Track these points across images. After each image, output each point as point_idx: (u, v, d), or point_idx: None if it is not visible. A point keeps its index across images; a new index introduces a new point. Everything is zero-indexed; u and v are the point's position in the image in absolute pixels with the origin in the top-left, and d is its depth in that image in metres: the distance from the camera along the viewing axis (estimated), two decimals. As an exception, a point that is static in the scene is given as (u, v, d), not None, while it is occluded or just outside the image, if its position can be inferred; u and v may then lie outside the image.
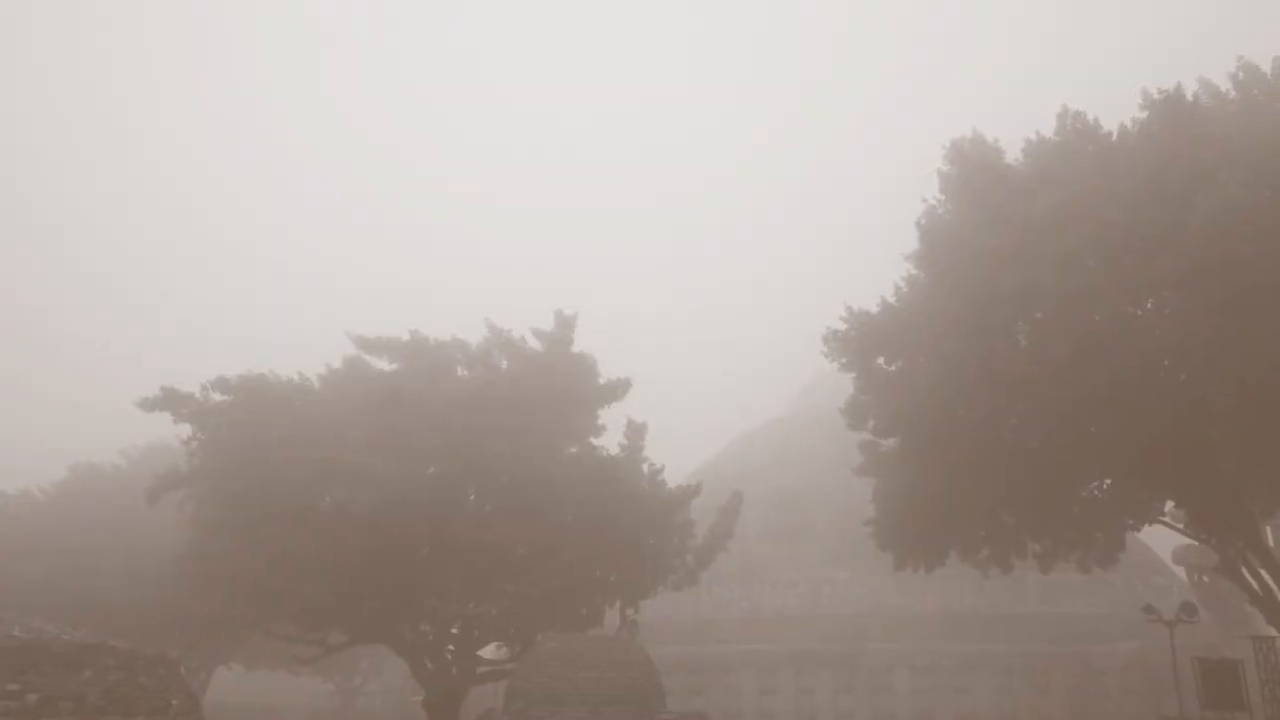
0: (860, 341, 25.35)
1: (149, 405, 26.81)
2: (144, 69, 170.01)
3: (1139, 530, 27.86)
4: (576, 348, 28.82)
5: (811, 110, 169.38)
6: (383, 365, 28.82)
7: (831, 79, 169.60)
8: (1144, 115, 22.12)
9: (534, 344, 28.90)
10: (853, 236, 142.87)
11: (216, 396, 27.42)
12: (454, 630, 28.73)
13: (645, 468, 28.66)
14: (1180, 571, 38.86)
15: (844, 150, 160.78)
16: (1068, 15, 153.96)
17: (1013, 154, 24.48)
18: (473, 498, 27.98)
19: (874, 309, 25.41)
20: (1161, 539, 33.69)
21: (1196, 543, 27.86)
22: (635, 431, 28.93)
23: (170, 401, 26.94)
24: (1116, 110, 23.37)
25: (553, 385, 27.81)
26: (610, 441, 29.06)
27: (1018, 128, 24.84)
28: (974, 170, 24.03)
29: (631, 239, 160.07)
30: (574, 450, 28.56)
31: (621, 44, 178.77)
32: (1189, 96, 21.70)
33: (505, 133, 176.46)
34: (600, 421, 29.05)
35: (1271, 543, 27.74)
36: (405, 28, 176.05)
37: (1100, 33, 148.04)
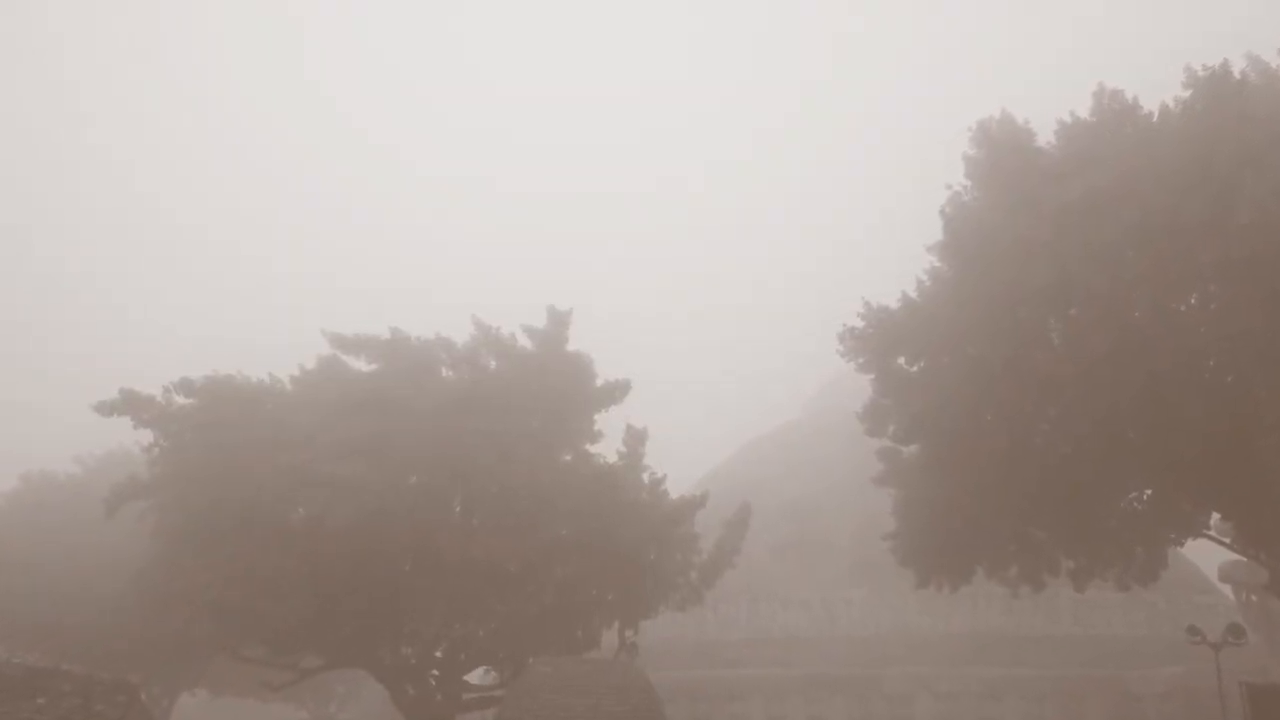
0: (879, 339, 25.30)
1: (106, 409, 26.71)
2: (143, 68, 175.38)
3: (1182, 545, 27.83)
4: (572, 347, 28.74)
5: (811, 110, 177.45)
6: (361, 366, 28.73)
7: (831, 79, 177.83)
8: (1186, 94, 22.10)
9: (525, 343, 28.78)
10: (854, 236, 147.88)
11: (180, 399, 27.31)
12: (438, 653, 28.67)
13: (646, 477, 28.57)
14: (1227, 590, 38.84)
15: (844, 150, 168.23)
16: (1069, 15, 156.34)
17: (1041, 140, 24.44)
18: (459, 509, 27.90)
19: (893, 304, 25.36)
20: (1206, 554, 33.69)
21: (1244, 558, 27.79)
22: (635, 437, 28.84)
23: (130, 405, 26.85)
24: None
25: (546, 387, 27.72)
26: (608, 448, 29.05)
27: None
28: (1003, 153, 23.97)
29: (632, 239, 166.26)
30: (569, 457, 28.47)
31: (622, 45, 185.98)
32: (1235, 73, 21.69)
33: (506, 134, 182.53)
34: (597, 426, 28.99)
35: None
36: (405, 27, 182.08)
37: (1103, 31, 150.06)
